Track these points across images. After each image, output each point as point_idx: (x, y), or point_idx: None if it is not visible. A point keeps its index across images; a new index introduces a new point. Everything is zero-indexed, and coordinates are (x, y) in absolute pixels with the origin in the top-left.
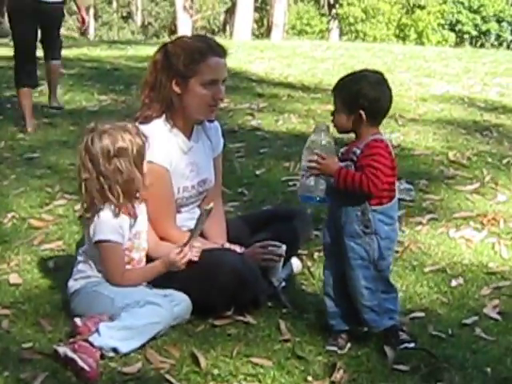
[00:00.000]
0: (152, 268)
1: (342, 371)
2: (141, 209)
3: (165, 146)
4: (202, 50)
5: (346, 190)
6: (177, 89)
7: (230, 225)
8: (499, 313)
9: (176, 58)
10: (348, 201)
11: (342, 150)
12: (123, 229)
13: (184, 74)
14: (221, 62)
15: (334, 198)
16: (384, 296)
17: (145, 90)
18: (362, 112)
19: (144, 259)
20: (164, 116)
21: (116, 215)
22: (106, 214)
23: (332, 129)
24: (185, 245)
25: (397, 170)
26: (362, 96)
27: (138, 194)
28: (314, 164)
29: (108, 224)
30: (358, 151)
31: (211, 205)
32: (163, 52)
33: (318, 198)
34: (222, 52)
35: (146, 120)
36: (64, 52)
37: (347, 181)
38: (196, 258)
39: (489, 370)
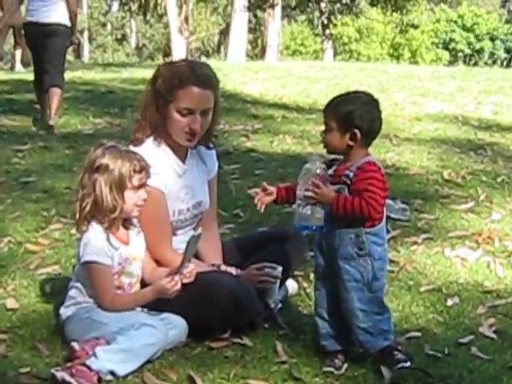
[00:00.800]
0: (142, 294)
1: None
2: (138, 237)
3: (160, 169)
4: (184, 77)
5: (345, 216)
6: (160, 110)
7: (226, 247)
8: (495, 331)
9: (160, 81)
10: (342, 224)
11: (329, 171)
12: (112, 252)
13: (165, 97)
14: (201, 92)
15: (327, 221)
16: (378, 317)
17: (140, 109)
18: (357, 131)
19: (136, 286)
20: (153, 136)
21: (104, 237)
22: (93, 235)
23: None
24: (175, 273)
25: (390, 190)
26: (358, 116)
27: (130, 222)
28: (310, 193)
29: (95, 245)
30: (351, 174)
31: (199, 231)
32: (155, 72)
33: (314, 227)
34: (205, 83)
35: (138, 141)
36: None
37: (347, 208)
38: (189, 280)
39: None
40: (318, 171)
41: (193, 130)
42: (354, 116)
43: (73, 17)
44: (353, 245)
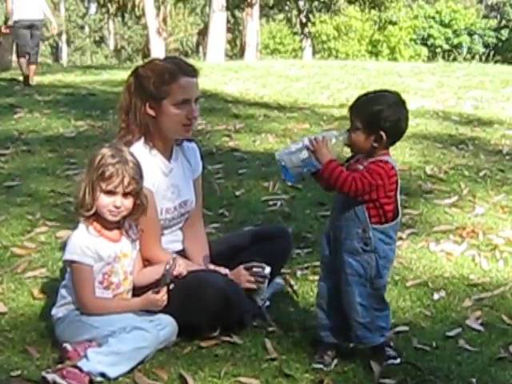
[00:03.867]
0: (129, 304)
1: None
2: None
3: (147, 168)
4: (172, 71)
5: (326, 182)
6: (151, 111)
7: (213, 246)
8: (482, 324)
9: (147, 81)
10: (350, 217)
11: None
12: (97, 252)
13: (156, 96)
14: (191, 81)
15: (336, 213)
16: (377, 314)
17: (121, 115)
18: (383, 133)
19: (126, 283)
20: (143, 139)
21: (88, 236)
22: (77, 234)
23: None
24: (157, 292)
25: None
26: (384, 117)
27: (129, 224)
28: (316, 142)
29: (76, 244)
30: (361, 167)
31: (170, 262)
32: (135, 76)
33: (288, 175)
34: (192, 71)
35: (127, 145)
36: (38, 78)
37: (333, 173)
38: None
39: (474, 380)
40: (340, 140)
41: (193, 119)
42: (381, 118)
43: None
44: (359, 239)
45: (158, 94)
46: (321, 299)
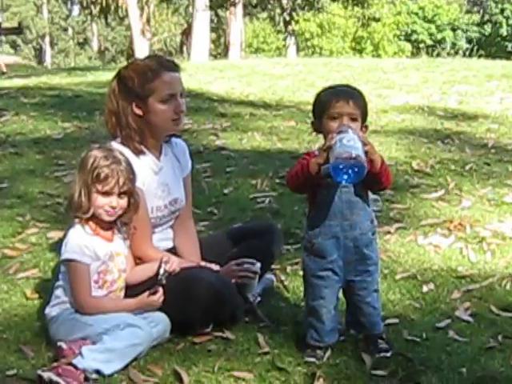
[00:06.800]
0: (126, 304)
1: (322, 380)
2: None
3: (137, 166)
4: (154, 68)
5: (374, 176)
6: (138, 111)
7: (203, 244)
8: (471, 315)
9: (131, 82)
10: (362, 213)
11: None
12: (95, 251)
13: (141, 95)
14: (174, 76)
15: (345, 212)
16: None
17: (111, 119)
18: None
19: (120, 281)
20: (137, 139)
21: (85, 236)
22: (74, 234)
23: None
24: (154, 293)
25: None
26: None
27: (120, 223)
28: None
29: (75, 243)
30: None
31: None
32: (118, 78)
33: (354, 155)
34: (173, 66)
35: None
36: (23, 81)
37: (387, 167)
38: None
39: (464, 370)
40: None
41: (180, 112)
42: (367, 110)
43: None
44: (370, 231)
45: (142, 92)
46: (329, 304)
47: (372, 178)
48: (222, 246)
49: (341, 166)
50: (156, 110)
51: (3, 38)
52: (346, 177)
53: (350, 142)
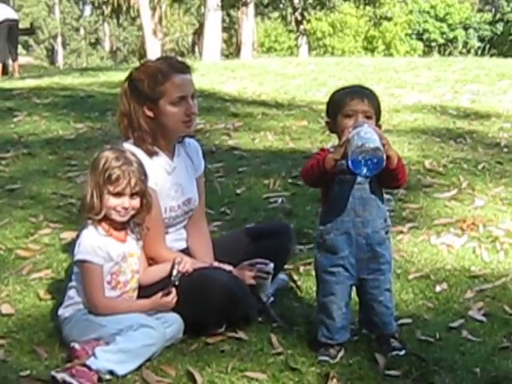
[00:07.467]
0: (139, 305)
1: (335, 380)
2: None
3: (149, 167)
4: (164, 70)
5: (390, 173)
6: (150, 113)
7: (216, 244)
8: (484, 314)
9: (141, 84)
10: (375, 210)
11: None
12: (108, 252)
13: (152, 97)
14: (185, 78)
15: (358, 209)
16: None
17: (123, 121)
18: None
19: (133, 281)
20: (149, 141)
21: (98, 236)
22: (87, 234)
23: None
24: (167, 294)
25: None
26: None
27: (133, 223)
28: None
29: (88, 244)
30: None
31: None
32: (129, 80)
33: (373, 152)
34: (184, 68)
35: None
36: (36, 81)
37: (403, 164)
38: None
39: (478, 370)
40: None
41: (191, 114)
42: (381, 109)
43: None
44: (383, 230)
45: (153, 95)
46: (341, 301)
47: (388, 175)
48: (235, 246)
49: (359, 158)
50: (167, 113)
51: None
52: (365, 169)
53: (367, 135)
